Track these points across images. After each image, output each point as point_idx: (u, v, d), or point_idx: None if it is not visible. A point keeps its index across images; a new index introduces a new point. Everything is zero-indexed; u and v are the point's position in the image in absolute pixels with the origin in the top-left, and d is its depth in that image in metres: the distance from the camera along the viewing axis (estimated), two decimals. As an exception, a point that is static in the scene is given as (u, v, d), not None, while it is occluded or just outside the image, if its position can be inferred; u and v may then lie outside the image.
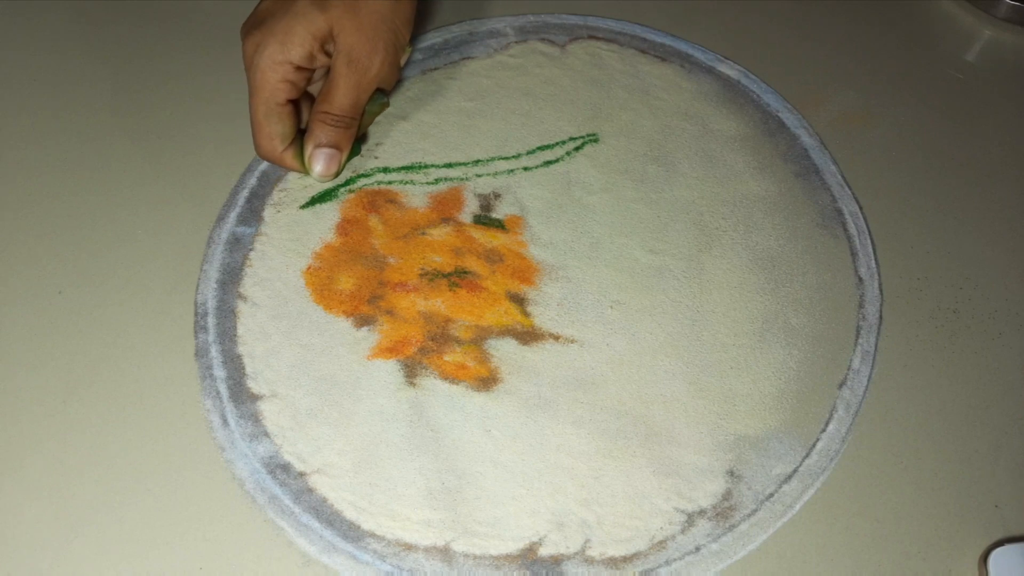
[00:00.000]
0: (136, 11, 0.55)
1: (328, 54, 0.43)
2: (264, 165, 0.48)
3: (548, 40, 0.54)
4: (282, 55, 0.42)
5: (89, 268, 0.45)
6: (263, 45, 0.42)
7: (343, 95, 0.43)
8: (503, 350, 0.44)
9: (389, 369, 0.43)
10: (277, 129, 0.44)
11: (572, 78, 0.53)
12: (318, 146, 0.45)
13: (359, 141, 0.48)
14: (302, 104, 0.46)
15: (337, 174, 0.47)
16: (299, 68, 0.43)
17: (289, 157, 0.45)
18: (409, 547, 0.39)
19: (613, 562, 0.39)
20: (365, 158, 0.49)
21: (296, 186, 0.48)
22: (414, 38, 0.51)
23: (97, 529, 0.39)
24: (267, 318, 0.44)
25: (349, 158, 0.47)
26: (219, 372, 0.43)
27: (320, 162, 0.45)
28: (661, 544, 0.39)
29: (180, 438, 0.41)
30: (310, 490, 0.40)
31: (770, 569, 0.39)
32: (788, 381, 0.44)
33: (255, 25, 0.43)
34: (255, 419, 0.42)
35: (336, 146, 0.45)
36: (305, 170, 0.46)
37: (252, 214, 0.47)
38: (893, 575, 0.39)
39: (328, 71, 0.44)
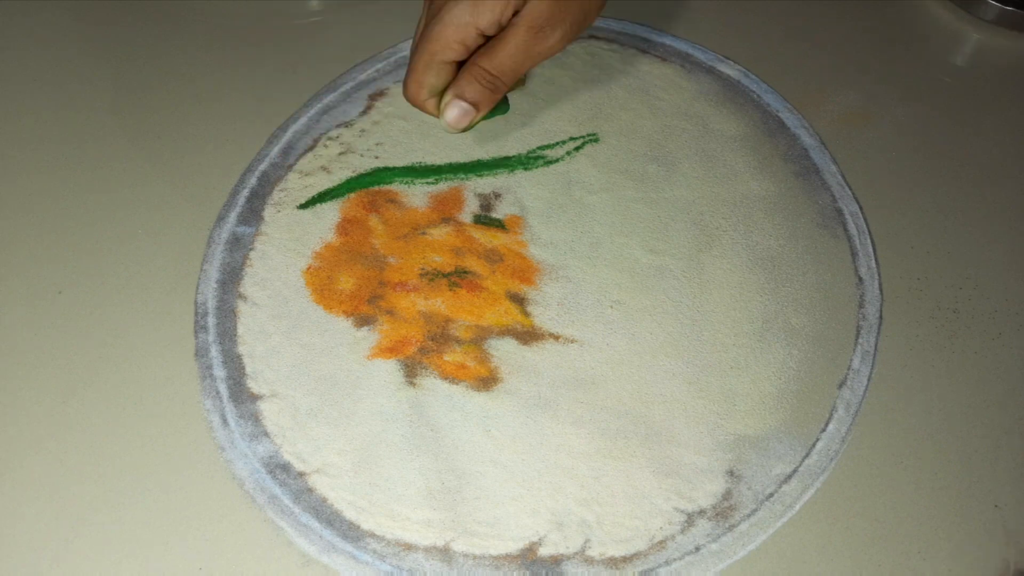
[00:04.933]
0: (136, 11, 0.55)
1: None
2: (264, 165, 0.49)
3: (548, 40, 0.54)
4: (471, 16, 0.39)
5: (89, 268, 0.45)
6: (455, 1, 0.40)
7: (509, 56, 0.41)
8: (503, 350, 0.44)
9: (389, 369, 0.43)
10: (430, 81, 0.42)
11: (572, 78, 0.53)
12: (459, 97, 0.42)
13: (504, 102, 0.45)
14: None
15: (466, 131, 0.44)
16: (481, 34, 0.40)
17: (431, 105, 0.43)
18: (409, 547, 0.39)
19: (613, 562, 0.39)
20: (365, 158, 0.49)
21: (296, 186, 0.48)
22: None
23: (97, 529, 0.39)
24: (267, 318, 0.44)
25: (489, 116, 0.44)
26: (219, 372, 0.43)
27: (454, 113, 0.42)
28: (661, 544, 0.39)
29: (180, 438, 0.41)
30: (310, 490, 0.40)
31: (770, 569, 0.39)
32: (788, 381, 0.44)
33: None
34: (255, 419, 0.42)
35: (476, 104, 0.42)
36: (438, 115, 0.44)
37: (252, 214, 0.47)
38: (893, 575, 0.39)
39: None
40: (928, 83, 0.54)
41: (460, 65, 0.42)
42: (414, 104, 0.43)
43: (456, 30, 0.40)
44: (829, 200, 0.49)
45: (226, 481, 0.40)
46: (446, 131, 0.44)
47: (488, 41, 0.41)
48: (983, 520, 0.41)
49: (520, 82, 0.46)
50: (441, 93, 0.42)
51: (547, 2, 0.40)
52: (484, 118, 0.44)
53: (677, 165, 0.50)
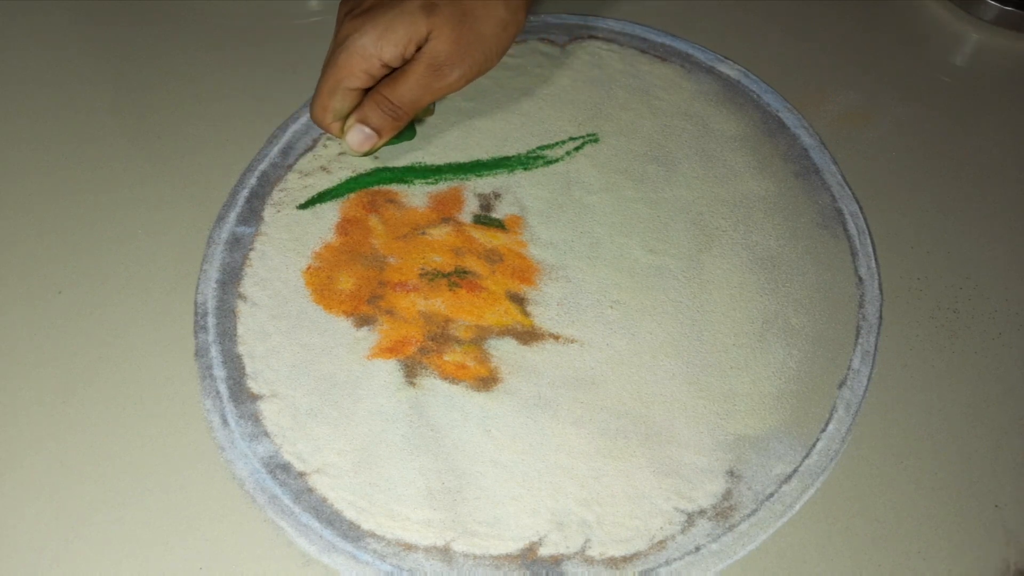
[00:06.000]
0: (136, 11, 0.55)
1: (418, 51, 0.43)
2: (264, 165, 0.49)
3: (548, 40, 0.54)
4: (375, 49, 0.41)
5: (89, 268, 0.45)
6: (361, 32, 0.41)
7: (409, 90, 0.43)
8: (503, 350, 0.44)
9: (389, 369, 0.43)
10: (336, 106, 0.43)
11: (572, 78, 0.53)
12: (362, 122, 0.44)
13: (411, 129, 0.47)
14: None
15: (367, 155, 0.46)
16: (385, 65, 0.42)
17: (335, 128, 0.45)
18: (409, 547, 0.39)
19: (613, 562, 0.39)
20: (365, 158, 0.49)
21: (296, 186, 0.48)
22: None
23: (97, 529, 0.39)
24: (267, 318, 0.44)
25: (395, 141, 0.46)
26: (219, 372, 0.43)
27: (356, 137, 0.44)
28: (661, 544, 0.39)
29: (180, 438, 0.41)
30: (310, 490, 0.40)
31: (770, 569, 0.39)
32: (788, 381, 0.44)
33: (362, 9, 0.42)
34: (255, 419, 0.42)
35: (378, 130, 0.44)
36: (342, 137, 0.46)
37: (252, 214, 0.47)
38: (893, 575, 0.39)
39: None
40: (928, 83, 0.54)
41: (367, 91, 0.44)
42: (319, 126, 0.45)
43: (361, 60, 0.42)
44: (829, 200, 0.49)
45: (226, 481, 0.40)
46: (348, 153, 0.45)
47: (393, 71, 0.43)
48: (983, 520, 0.41)
49: (428, 111, 0.48)
50: (347, 116, 0.44)
51: (447, 43, 0.42)
52: (390, 143, 0.46)
53: (677, 165, 0.50)
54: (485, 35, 0.43)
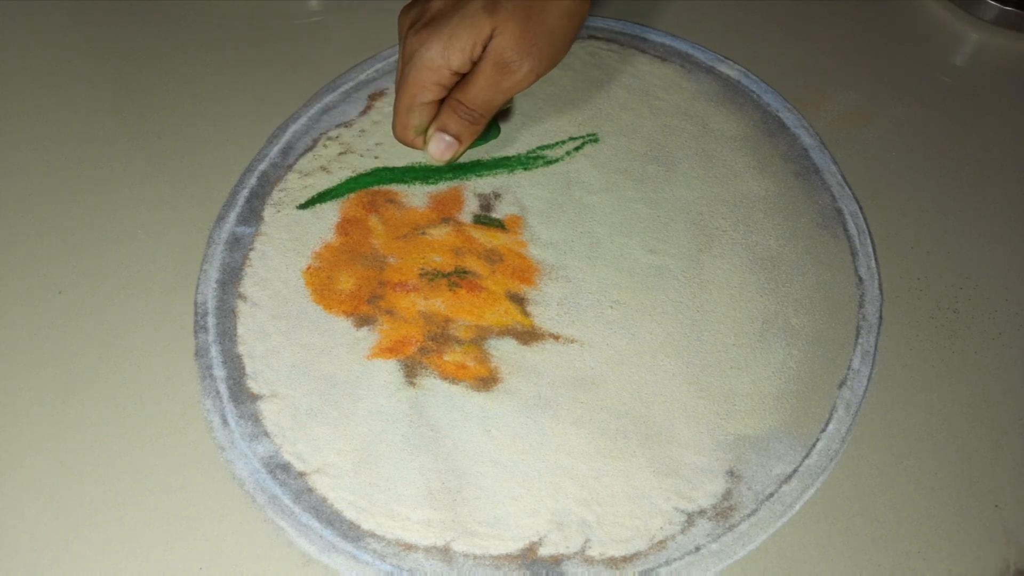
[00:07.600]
0: (136, 11, 0.55)
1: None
2: (264, 165, 0.49)
3: (548, 40, 0.54)
4: (443, 59, 0.41)
5: (89, 268, 0.45)
6: (427, 45, 0.41)
7: (481, 91, 0.43)
8: (503, 350, 0.44)
9: (389, 369, 0.43)
10: (414, 121, 0.44)
11: (572, 78, 0.53)
12: (442, 130, 0.44)
13: (495, 127, 0.47)
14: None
15: (451, 162, 0.46)
16: (455, 73, 0.42)
17: (420, 142, 0.45)
18: (409, 547, 0.39)
19: (613, 562, 0.39)
20: (365, 158, 0.49)
21: (296, 186, 0.48)
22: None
23: (97, 529, 0.39)
24: (267, 318, 0.44)
25: (482, 142, 0.46)
26: (219, 372, 0.43)
27: (438, 146, 0.44)
28: (661, 544, 0.39)
29: (180, 438, 0.41)
30: (310, 490, 0.40)
31: (770, 569, 0.39)
32: (788, 381, 0.44)
33: (423, 21, 0.42)
34: (255, 419, 0.42)
35: (458, 136, 0.44)
36: (426, 149, 0.46)
37: (252, 214, 0.47)
38: (893, 575, 0.39)
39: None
40: (928, 83, 0.54)
41: (444, 100, 0.44)
42: (403, 144, 0.45)
43: (431, 73, 0.42)
44: (829, 200, 0.49)
45: (226, 481, 0.40)
46: (433, 163, 0.45)
47: (465, 76, 0.43)
48: (983, 520, 0.41)
49: (507, 108, 0.47)
50: (427, 128, 0.44)
51: (511, 39, 0.41)
52: (476, 144, 0.46)
53: (677, 165, 0.50)
54: (551, 26, 0.42)
